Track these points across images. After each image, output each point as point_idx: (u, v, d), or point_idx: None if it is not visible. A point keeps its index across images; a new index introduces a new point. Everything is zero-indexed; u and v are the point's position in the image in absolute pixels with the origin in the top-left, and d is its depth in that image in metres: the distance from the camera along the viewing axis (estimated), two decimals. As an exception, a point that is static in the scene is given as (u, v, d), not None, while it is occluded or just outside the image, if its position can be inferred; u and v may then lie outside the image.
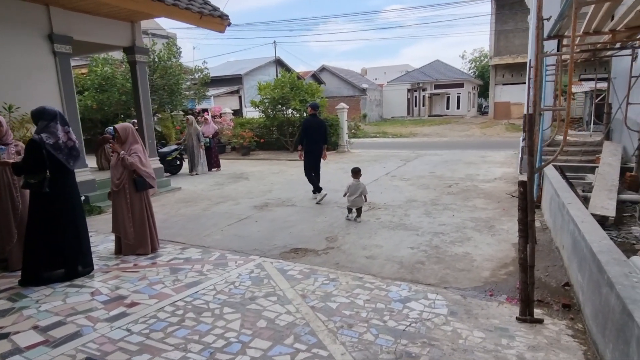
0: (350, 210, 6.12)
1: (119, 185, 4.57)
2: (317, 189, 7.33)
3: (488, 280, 3.79)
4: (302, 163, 7.56)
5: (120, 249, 4.76)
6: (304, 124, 7.48)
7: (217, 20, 8.37)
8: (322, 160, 7.56)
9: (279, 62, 30.43)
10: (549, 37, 4.88)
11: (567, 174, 6.81)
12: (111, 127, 8.95)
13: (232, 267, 4.26)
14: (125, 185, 4.59)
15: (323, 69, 37.26)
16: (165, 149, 10.81)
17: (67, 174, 4.00)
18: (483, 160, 11.45)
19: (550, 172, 5.79)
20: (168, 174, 10.32)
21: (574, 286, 3.47)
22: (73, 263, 4.03)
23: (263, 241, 5.14)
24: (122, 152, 4.52)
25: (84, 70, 16.65)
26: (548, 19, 3.40)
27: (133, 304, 3.43)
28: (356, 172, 6.16)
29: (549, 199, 5.39)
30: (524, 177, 2.97)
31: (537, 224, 5.29)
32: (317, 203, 7.07)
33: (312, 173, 7.40)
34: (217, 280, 3.91)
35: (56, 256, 3.96)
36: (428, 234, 5.17)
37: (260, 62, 29.46)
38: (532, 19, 9.23)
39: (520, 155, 9.22)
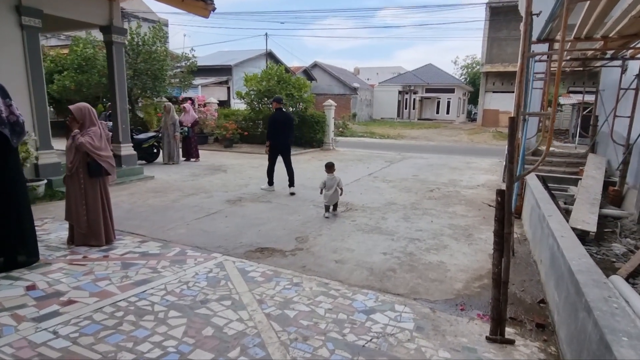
0: (327, 209, 5.88)
1: (72, 169, 4.21)
2: (271, 182, 7.49)
3: (460, 293, 3.56)
4: (281, 158, 7.48)
5: (73, 239, 4.41)
6: (270, 119, 7.40)
7: (201, 4, 8.00)
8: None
9: (270, 55, 29.95)
10: (539, 40, 4.68)
11: (550, 184, 6.65)
12: None
13: (190, 265, 3.95)
14: (79, 170, 4.24)
15: (315, 65, 36.87)
16: (141, 136, 10.37)
17: (9, 153, 3.63)
18: (468, 167, 11.30)
19: (533, 181, 5.60)
20: (143, 162, 9.91)
21: (549, 304, 3.26)
22: (12, 252, 3.67)
23: (229, 238, 4.84)
24: (76, 131, 4.17)
25: (66, 51, 16.00)
26: (538, 14, 3.17)
27: (69, 302, 3.09)
28: (330, 167, 5.97)
29: (529, 210, 5.20)
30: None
31: (517, 235, 5.09)
32: (262, 189, 7.46)
33: (274, 168, 7.48)
34: (170, 279, 3.59)
35: (-6, 244, 3.60)
36: (404, 240, 4.93)
37: (251, 54, 28.95)
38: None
39: (504, 163, 9.07)
